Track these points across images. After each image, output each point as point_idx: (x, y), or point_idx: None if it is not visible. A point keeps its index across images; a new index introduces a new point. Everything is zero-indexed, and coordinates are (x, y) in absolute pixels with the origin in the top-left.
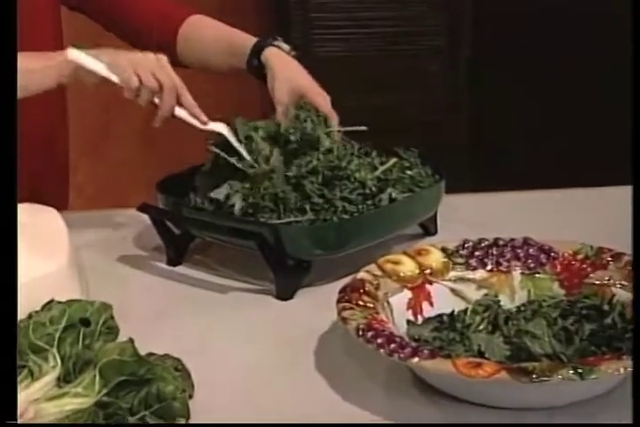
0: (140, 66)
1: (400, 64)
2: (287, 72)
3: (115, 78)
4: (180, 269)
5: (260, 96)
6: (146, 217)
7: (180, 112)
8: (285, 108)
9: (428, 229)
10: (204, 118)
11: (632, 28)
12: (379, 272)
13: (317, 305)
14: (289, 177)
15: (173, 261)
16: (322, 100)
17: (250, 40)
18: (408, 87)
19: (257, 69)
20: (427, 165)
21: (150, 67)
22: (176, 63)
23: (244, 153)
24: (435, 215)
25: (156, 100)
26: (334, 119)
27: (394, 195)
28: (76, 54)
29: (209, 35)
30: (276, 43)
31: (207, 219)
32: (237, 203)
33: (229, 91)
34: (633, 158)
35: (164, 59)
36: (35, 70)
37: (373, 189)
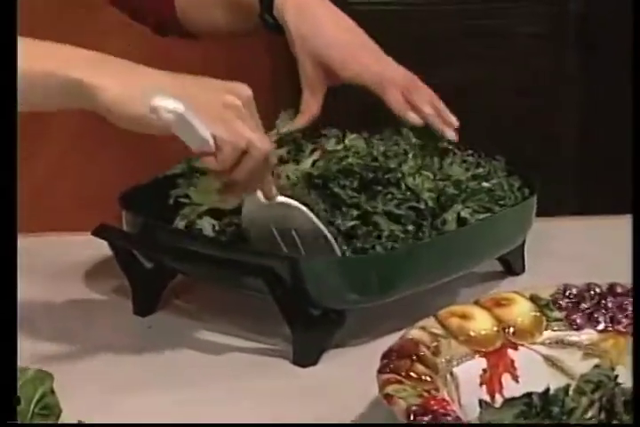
0: (222, 114)
1: (478, 22)
2: (309, 33)
3: (211, 141)
4: (154, 319)
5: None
6: (104, 244)
7: None
8: (312, 94)
9: (512, 266)
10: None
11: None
12: (439, 330)
13: (352, 374)
14: (312, 176)
15: (143, 309)
16: (380, 83)
17: None
18: (490, 57)
19: (277, 30)
20: (513, 174)
21: (236, 115)
22: (180, 32)
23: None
24: (521, 246)
25: None
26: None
27: (463, 214)
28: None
29: None
30: None
31: (193, 247)
32: (206, 223)
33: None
34: None
35: (249, 93)
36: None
37: (430, 203)
